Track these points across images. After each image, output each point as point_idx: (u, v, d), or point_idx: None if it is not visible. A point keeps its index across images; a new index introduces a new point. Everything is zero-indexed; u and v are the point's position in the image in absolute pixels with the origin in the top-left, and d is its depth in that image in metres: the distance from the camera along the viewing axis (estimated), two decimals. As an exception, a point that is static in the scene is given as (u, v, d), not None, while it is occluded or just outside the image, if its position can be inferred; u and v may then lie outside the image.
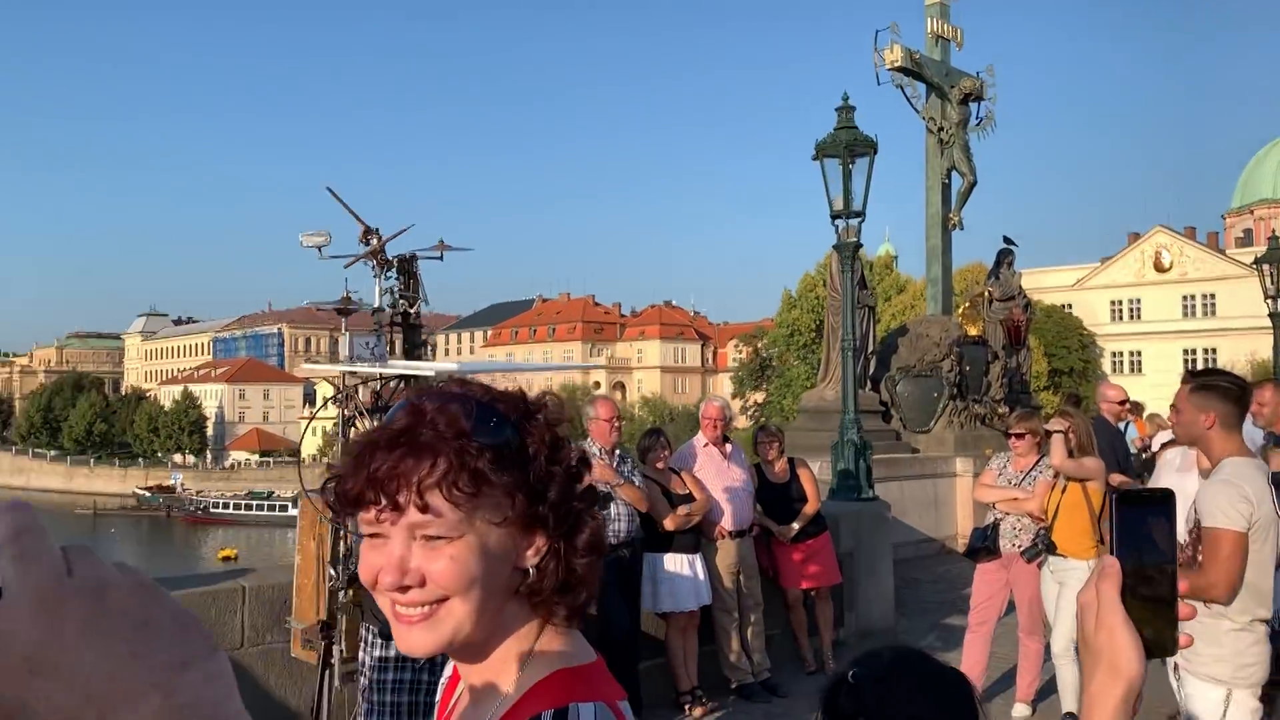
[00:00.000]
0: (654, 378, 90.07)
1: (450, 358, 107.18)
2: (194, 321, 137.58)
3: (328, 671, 4.15)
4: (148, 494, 78.59)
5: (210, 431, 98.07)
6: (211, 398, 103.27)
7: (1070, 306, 62.20)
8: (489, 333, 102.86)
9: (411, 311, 4.25)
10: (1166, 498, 1.05)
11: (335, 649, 4.10)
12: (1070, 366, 54.63)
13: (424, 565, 1.13)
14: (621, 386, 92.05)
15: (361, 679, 3.81)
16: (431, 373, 3.84)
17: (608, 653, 4.68)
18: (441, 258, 4.39)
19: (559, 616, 1.17)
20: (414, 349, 4.29)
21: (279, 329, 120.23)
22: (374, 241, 4.16)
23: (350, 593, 4.02)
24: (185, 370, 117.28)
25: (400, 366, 3.91)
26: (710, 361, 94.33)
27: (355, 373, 4.06)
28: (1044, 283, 62.56)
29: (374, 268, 4.19)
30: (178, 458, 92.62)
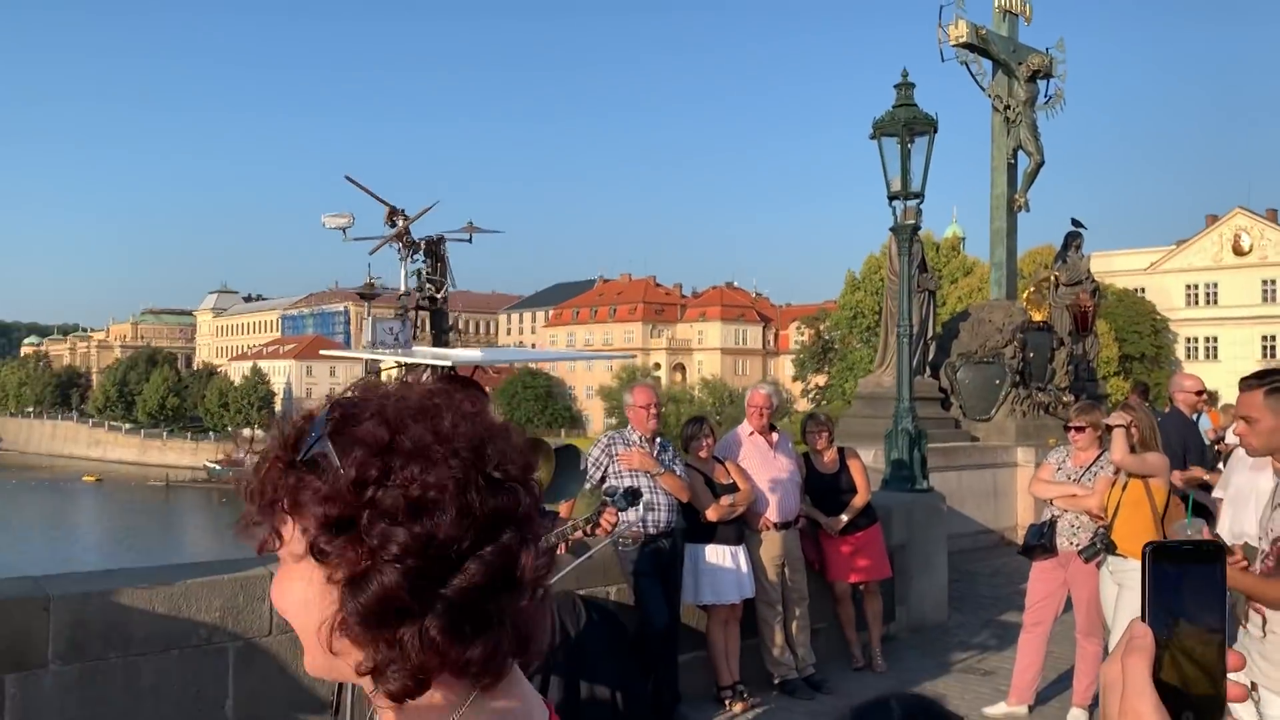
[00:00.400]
0: (714, 359, 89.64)
1: (511, 337, 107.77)
2: (263, 299, 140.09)
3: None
4: (218, 467, 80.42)
5: (279, 407, 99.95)
6: (279, 374, 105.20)
7: (1143, 290, 60.54)
8: (550, 313, 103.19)
9: (439, 296, 4.11)
10: (1215, 552, 0.84)
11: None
12: (1141, 352, 53.25)
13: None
14: (682, 368, 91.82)
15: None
16: (448, 362, 3.71)
17: (646, 646, 4.54)
18: (470, 239, 4.25)
19: (468, 673, 0.96)
20: (441, 334, 4.15)
21: (345, 307, 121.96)
22: (399, 223, 4.03)
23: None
24: (254, 346, 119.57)
25: (421, 354, 3.78)
26: (772, 344, 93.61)
27: (377, 360, 3.94)
28: (1115, 266, 60.94)
29: (400, 250, 4.06)
30: (247, 432, 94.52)
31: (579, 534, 3.78)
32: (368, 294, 3.99)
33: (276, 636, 4.74)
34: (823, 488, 7.15)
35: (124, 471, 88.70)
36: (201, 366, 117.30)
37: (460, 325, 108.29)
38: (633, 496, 3.87)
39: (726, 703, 6.31)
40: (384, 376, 4.09)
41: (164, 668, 4.42)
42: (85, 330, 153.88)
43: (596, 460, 5.98)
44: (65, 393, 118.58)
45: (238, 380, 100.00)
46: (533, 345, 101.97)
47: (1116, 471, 5.71)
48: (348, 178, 3.86)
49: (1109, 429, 5.74)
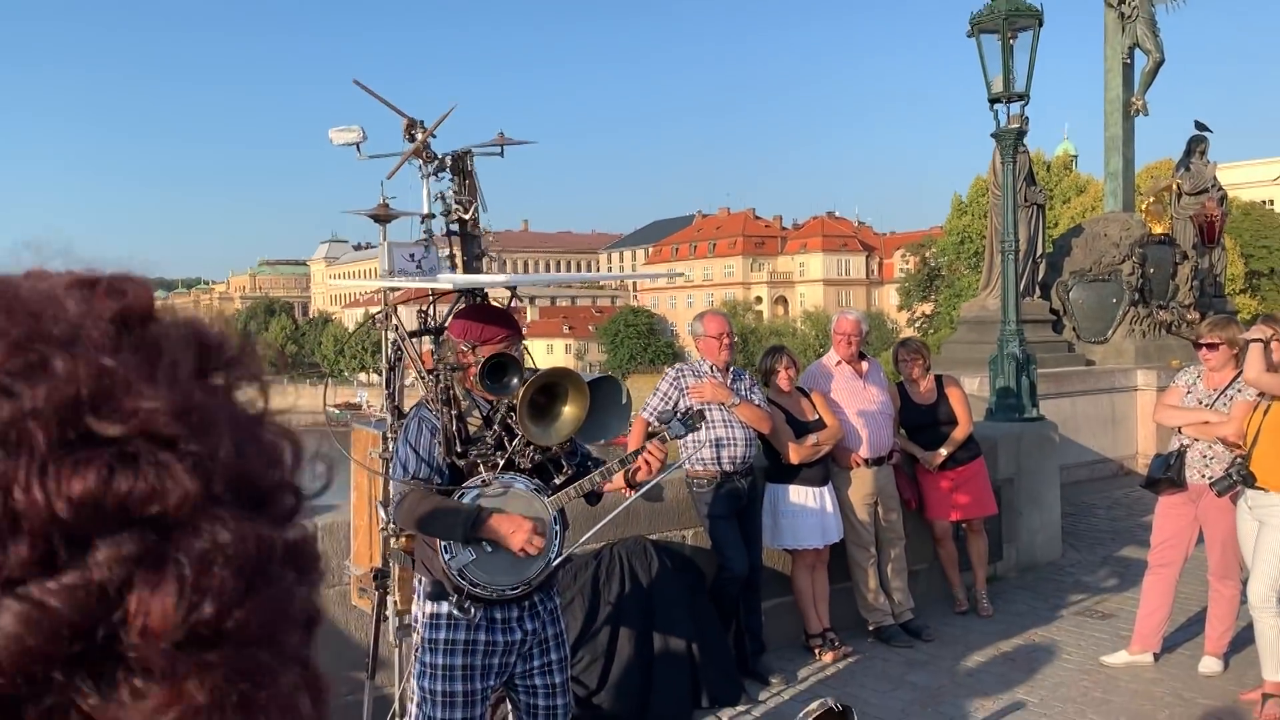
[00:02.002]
0: (817, 291, 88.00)
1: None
2: (372, 246, 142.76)
3: (383, 625, 3.74)
4: (336, 411, 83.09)
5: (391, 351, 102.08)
6: (411, 319, 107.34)
7: (1271, 203, 56.84)
8: (650, 250, 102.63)
9: (467, 218, 3.68)
10: None
11: (390, 600, 3.68)
12: (1270, 268, 50.12)
13: None
14: (784, 301, 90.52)
15: (414, 635, 3.36)
16: (465, 286, 3.29)
17: (724, 593, 4.07)
18: (502, 153, 3.79)
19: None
20: (472, 260, 3.73)
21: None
22: (419, 136, 3.60)
23: (402, 539, 3.57)
24: (366, 294, 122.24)
25: (446, 280, 3.37)
26: (875, 273, 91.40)
27: (394, 288, 3.55)
28: (1240, 178, 57.18)
29: (420, 166, 3.63)
30: (362, 376, 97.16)
31: (618, 481, 3.33)
32: (382, 216, 3.58)
33: (323, 591, 4.46)
34: (919, 420, 6.58)
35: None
36: (317, 314, 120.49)
37: (558, 266, 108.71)
38: (691, 421, 3.40)
39: (816, 651, 5.87)
40: (398, 307, 3.71)
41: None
42: (207, 283, 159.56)
43: (665, 394, 5.54)
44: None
45: (352, 326, 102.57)
46: (634, 284, 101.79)
47: (1260, 395, 5.02)
48: (355, 82, 3.43)
49: (1246, 346, 5.05)
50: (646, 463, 3.30)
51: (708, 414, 5.41)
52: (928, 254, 62.79)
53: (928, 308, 60.13)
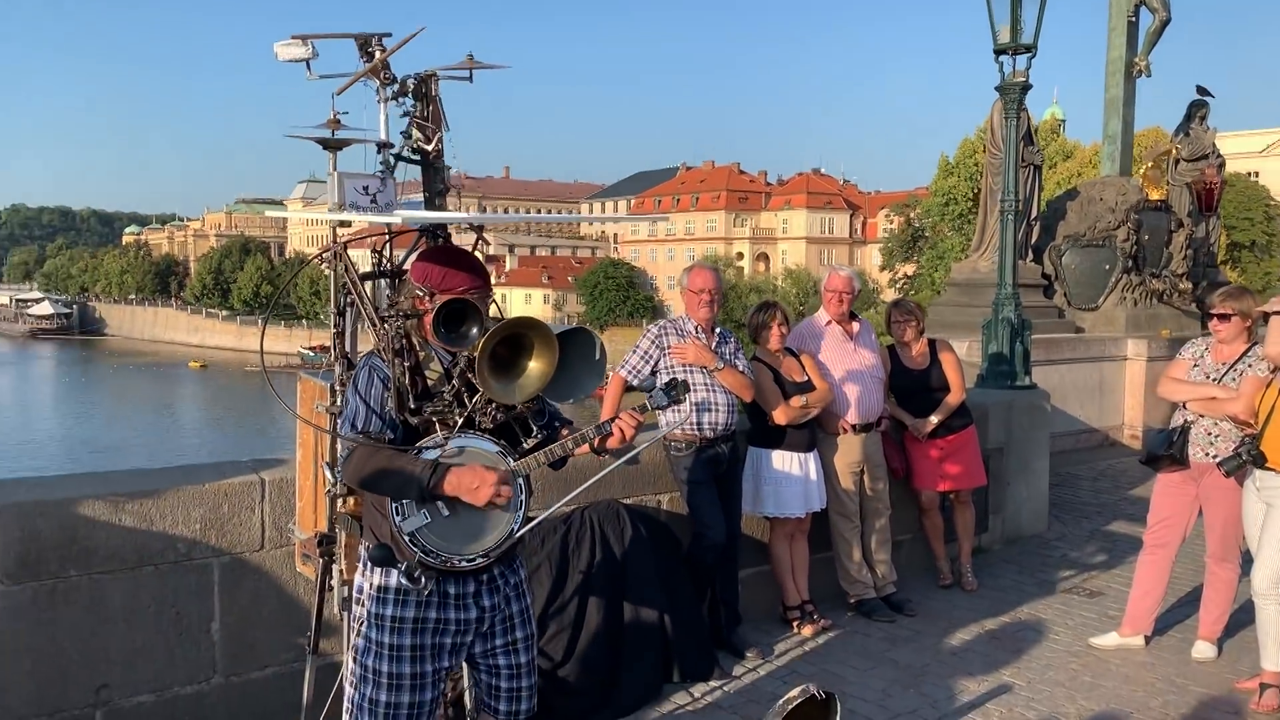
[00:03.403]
0: (799, 249, 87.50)
1: (593, 227, 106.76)
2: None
3: (328, 594, 3.41)
4: (311, 353, 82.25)
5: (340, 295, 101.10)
6: (367, 261, 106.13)
7: (1256, 175, 56.68)
8: (632, 201, 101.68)
9: (430, 149, 3.30)
10: None
11: (335, 568, 3.34)
12: (1252, 240, 50.09)
13: None
14: (765, 258, 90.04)
15: (358, 608, 3.03)
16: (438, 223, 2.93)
17: (700, 562, 3.72)
18: (470, 78, 3.40)
19: None
20: (435, 196, 3.36)
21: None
22: (376, 54, 3.20)
23: (349, 502, 3.23)
24: (343, 235, 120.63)
25: (405, 217, 2.99)
26: (859, 232, 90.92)
27: (346, 221, 3.17)
28: (1227, 148, 56.97)
29: (378, 89, 3.24)
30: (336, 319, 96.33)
31: (585, 449, 3.00)
32: (331, 142, 3.19)
33: (270, 551, 4.13)
34: (910, 385, 6.27)
35: (223, 357, 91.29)
36: (293, 255, 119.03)
37: (543, 212, 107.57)
38: (676, 393, 3.06)
39: (794, 625, 5.61)
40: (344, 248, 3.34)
41: (136, 587, 3.84)
42: (182, 220, 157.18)
43: (645, 353, 5.19)
44: (164, 280, 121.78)
45: (327, 269, 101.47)
46: (615, 236, 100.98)
47: (1274, 370, 4.73)
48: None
49: (1263, 318, 4.75)
50: (621, 431, 2.97)
51: (689, 376, 5.09)
52: (912, 214, 62.45)
53: (910, 269, 59.92)
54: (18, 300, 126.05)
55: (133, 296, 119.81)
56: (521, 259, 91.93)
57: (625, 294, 79.46)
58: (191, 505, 3.95)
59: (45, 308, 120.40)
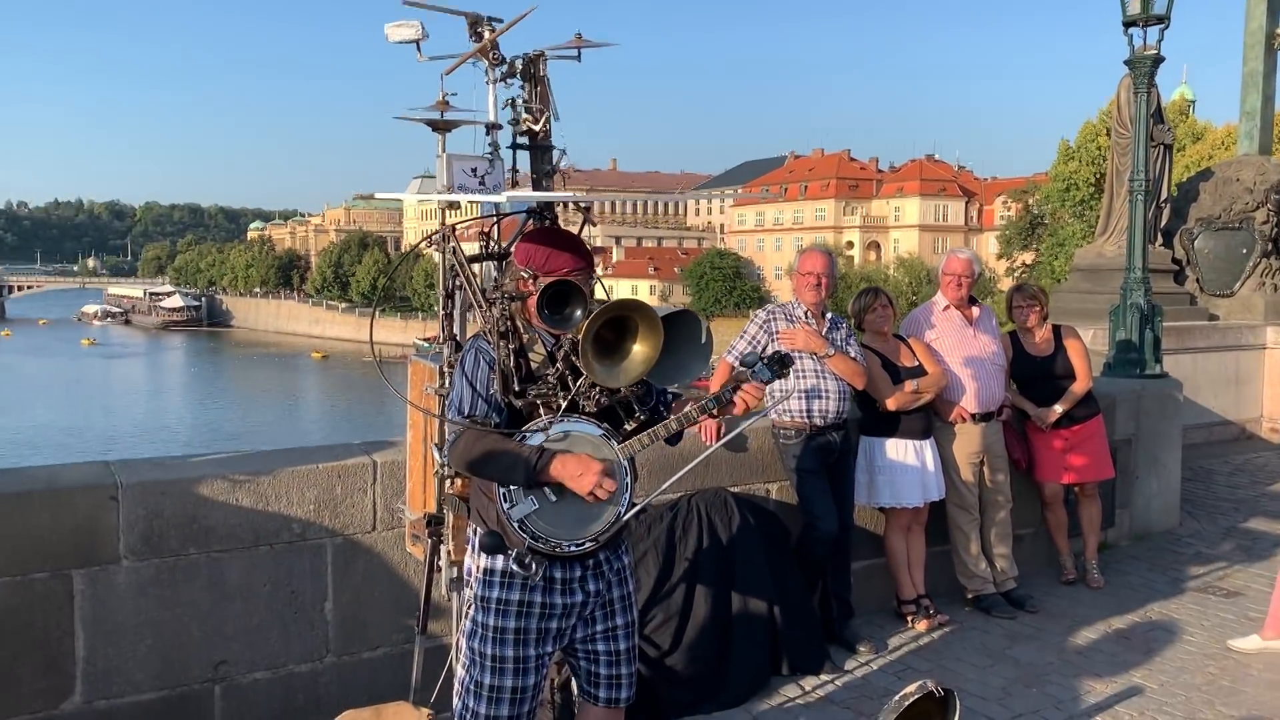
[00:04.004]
0: (911, 237, 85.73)
1: (699, 219, 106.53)
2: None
3: (436, 575, 3.41)
4: (425, 343, 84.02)
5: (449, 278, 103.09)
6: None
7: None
8: (739, 192, 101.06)
9: (538, 129, 3.26)
10: None
11: (443, 549, 3.34)
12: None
13: None
14: (876, 246, 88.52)
15: (466, 590, 3.02)
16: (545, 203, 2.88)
17: (811, 552, 3.58)
18: (579, 56, 3.35)
19: None
20: (542, 177, 3.32)
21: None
22: (485, 35, 3.17)
23: (457, 484, 3.22)
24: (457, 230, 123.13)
25: (510, 195, 2.96)
26: (974, 220, 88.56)
27: (455, 201, 3.15)
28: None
29: (487, 70, 3.22)
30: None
31: (706, 419, 2.91)
32: (440, 123, 3.17)
33: (381, 533, 4.17)
34: (1033, 372, 6.02)
35: (342, 348, 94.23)
36: (408, 248, 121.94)
37: (646, 207, 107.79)
38: (778, 365, 2.94)
39: (909, 619, 5.43)
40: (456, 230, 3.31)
41: (253, 565, 3.92)
42: (303, 215, 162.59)
43: (753, 338, 5.08)
44: (287, 274, 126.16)
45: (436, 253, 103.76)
46: (721, 226, 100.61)
47: None
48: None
49: None
50: (744, 400, 2.87)
51: (799, 362, 4.96)
52: (1031, 201, 60.56)
53: (1028, 257, 58.14)
54: (151, 294, 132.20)
55: (257, 290, 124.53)
56: (628, 250, 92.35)
57: (732, 284, 79.10)
58: (306, 486, 4.01)
59: (176, 301, 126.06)
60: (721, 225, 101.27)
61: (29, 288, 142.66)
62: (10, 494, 3.53)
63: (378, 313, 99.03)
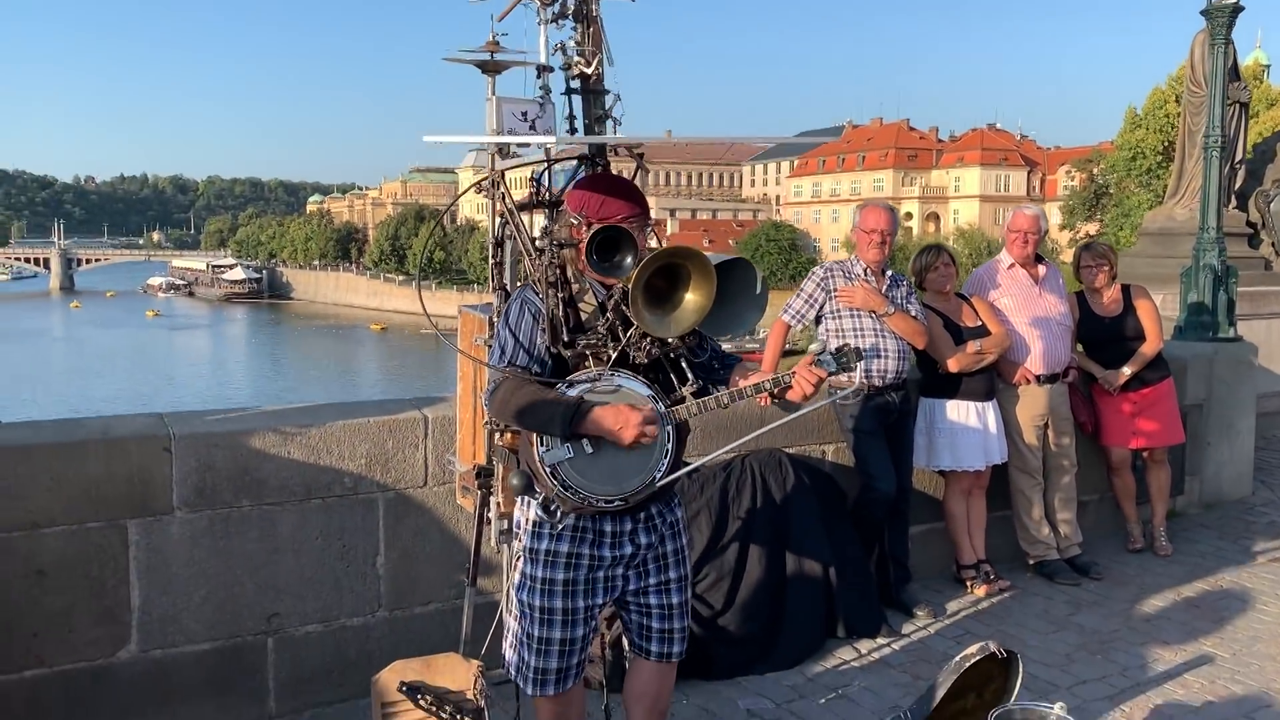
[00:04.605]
0: (972, 208, 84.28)
1: (755, 190, 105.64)
2: (518, 155, 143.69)
3: (485, 527, 3.37)
4: (472, 308, 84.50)
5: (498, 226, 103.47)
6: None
7: None
8: (795, 162, 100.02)
9: (590, 72, 3.16)
10: None
11: (493, 500, 3.30)
12: None
13: None
14: (936, 217, 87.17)
15: (515, 542, 2.97)
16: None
17: (868, 515, 3.48)
18: (632, -5, 3.25)
19: None
20: (595, 123, 3.22)
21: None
22: (535, -27, 3.08)
23: (507, 436, 3.17)
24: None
25: (562, 137, 2.87)
26: (1037, 190, 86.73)
27: (505, 143, 3.07)
28: None
29: (538, 10, 3.13)
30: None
31: (763, 397, 2.83)
32: (490, 65, 3.10)
33: (432, 488, 4.15)
34: (1101, 334, 5.82)
35: (400, 320, 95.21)
36: (464, 222, 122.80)
37: (701, 179, 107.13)
38: (847, 359, 2.83)
39: (968, 584, 5.31)
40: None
41: (304, 519, 3.91)
42: (361, 188, 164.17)
43: (810, 296, 4.96)
44: (345, 247, 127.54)
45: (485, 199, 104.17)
46: (776, 198, 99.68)
47: None
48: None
49: None
50: (800, 387, 2.78)
51: (857, 321, 4.85)
52: (1095, 170, 59.17)
53: (1092, 228, 56.89)
54: (214, 266, 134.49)
55: (316, 262, 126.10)
56: (682, 222, 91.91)
57: (787, 257, 78.40)
58: (357, 440, 4.00)
59: (238, 273, 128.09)
60: (777, 197, 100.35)
61: (97, 260, 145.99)
62: (66, 443, 3.56)
63: (434, 285, 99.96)
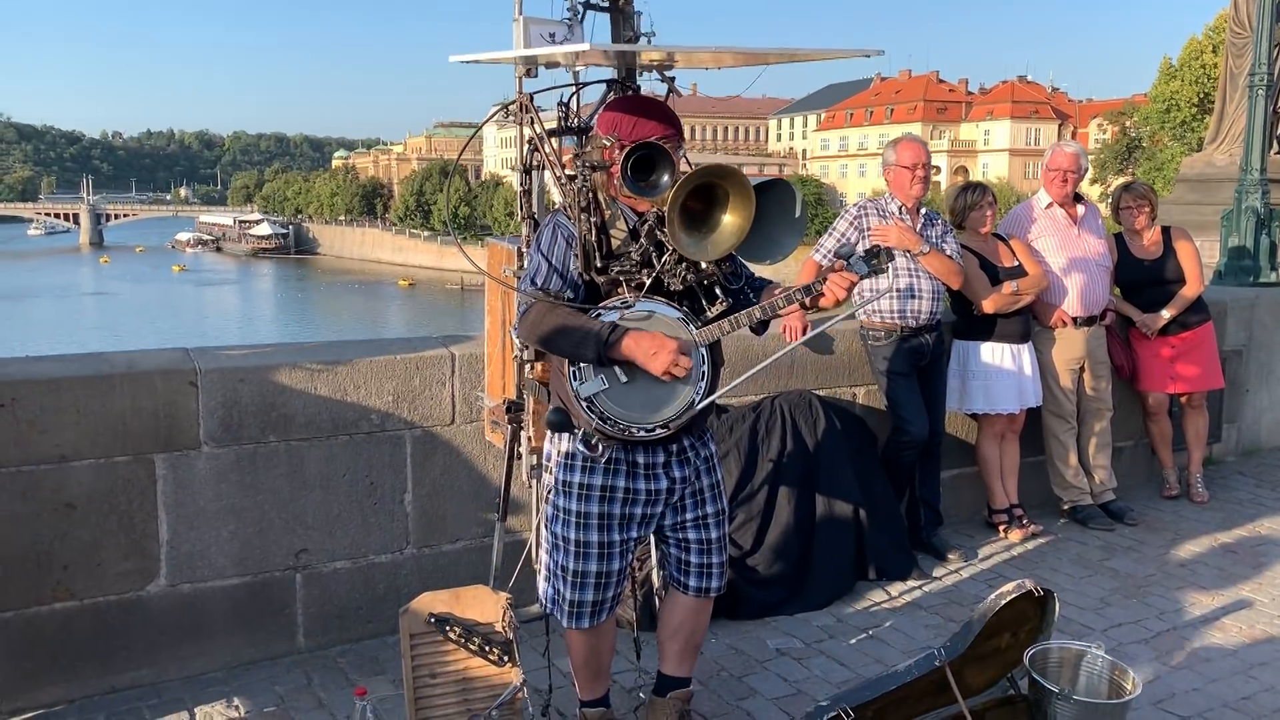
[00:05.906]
0: (1001, 161, 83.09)
1: (780, 144, 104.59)
2: (544, 110, 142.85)
3: (516, 463, 3.33)
4: (506, 270, 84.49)
5: (527, 152, 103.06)
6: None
7: None
8: (822, 116, 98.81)
9: (619, -10, 3.07)
10: None
11: (523, 435, 3.25)
12: None
13: None
14: (965, 171, 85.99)
15: (547, 476, 2.93)
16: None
17: (899, 458, 3.40)
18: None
19: None
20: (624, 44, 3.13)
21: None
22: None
23: (537, 368, 3.11)
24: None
25: (590, 45, 2.78)
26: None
27: (531, 57, 2.98)
28: None
29: (564, -74, 3.03)
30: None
31: (794, 308, 2.75)
32: (517, -19, 3.01)
33: (460, 426, 4.11)
34: (1140, 276, 5.69)
35: (425, 275, 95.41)
36: (489, 177, 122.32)
37: (726, 132, 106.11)
38: (874, 259, 2.75)
39: (1001, 529, 5.25)
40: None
41: (331, 455, 3.89)
42: (386, 144, 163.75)
43: (842, 235, 4.85)
44: (370, 202, 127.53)
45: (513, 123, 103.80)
46: (803, 151, 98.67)
47: None
48: None
49: None
50: (832, 291, 2.69)
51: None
52: (1128, 123, 58.14)
53: (1124, 181, 55.95)
54: (240, 221, 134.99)
55: (342, 218, 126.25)
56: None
57: (814, 212, 77.66)
58: (384, 378, 3.96)
59: (264, 228, 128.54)
60: (804, 150, 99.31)
61: (125, 216, 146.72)
62: (92, 376, 3.53)
63: (459, 240, 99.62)
